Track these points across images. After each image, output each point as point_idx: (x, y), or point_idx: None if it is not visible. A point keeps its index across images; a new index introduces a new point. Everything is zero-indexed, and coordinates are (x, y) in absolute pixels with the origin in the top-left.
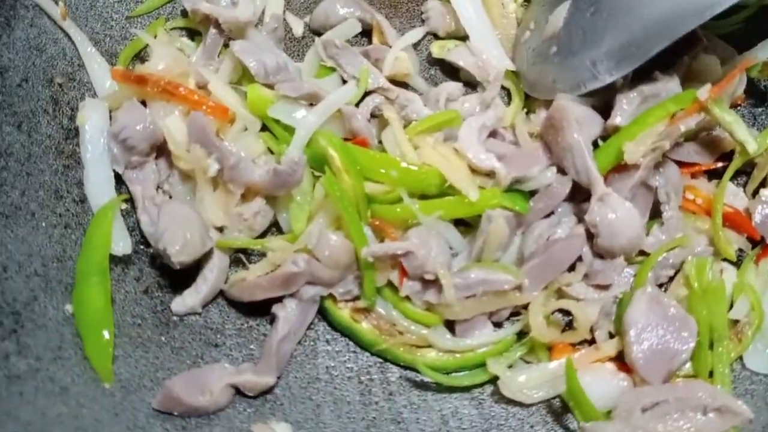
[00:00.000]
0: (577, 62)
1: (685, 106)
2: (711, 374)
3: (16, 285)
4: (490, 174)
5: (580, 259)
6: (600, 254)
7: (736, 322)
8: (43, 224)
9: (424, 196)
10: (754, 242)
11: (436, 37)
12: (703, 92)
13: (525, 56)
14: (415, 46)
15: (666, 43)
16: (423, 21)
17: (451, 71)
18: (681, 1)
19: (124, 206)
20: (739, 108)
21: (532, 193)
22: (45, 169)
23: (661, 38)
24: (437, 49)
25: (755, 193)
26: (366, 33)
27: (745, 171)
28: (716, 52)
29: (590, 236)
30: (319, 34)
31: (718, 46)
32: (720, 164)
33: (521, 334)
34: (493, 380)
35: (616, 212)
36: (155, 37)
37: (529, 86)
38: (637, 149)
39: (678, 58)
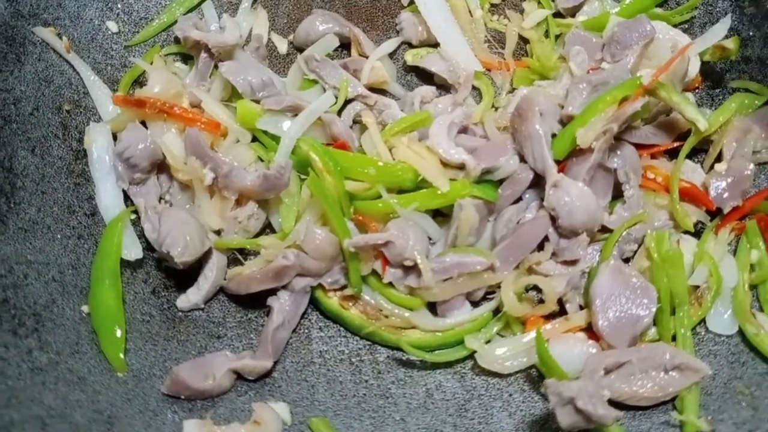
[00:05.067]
0: None
1: (632, 92)
2: (674, 338)
3: (36, 290)
4: (461, 166)
5: (547, 239)
6: (564, 234)
7: (696, 288)
8: (59, 236)
9: (401, 191)
10: (712, 214)
11: (411, 45)
12: (647, 77)
13: None
14: (392, 55)
15: None
16: (397, 32)
17: (426, 76)
18: None
19: (133, 216)
20: (697, 90)
21: (501, 182)
22: (58, 188)
23: None
24: (411, 57)
25: (711, 168)
26: (346, 46)
27: (704, 149)
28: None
29: (554, 218)
30: (302, 50)
31: None
32: (677, 144)
33: (497, 311)
34: (474, 355)
35: (570, 194)
36: (151, 63)
37: None
38: (587, 134)
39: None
